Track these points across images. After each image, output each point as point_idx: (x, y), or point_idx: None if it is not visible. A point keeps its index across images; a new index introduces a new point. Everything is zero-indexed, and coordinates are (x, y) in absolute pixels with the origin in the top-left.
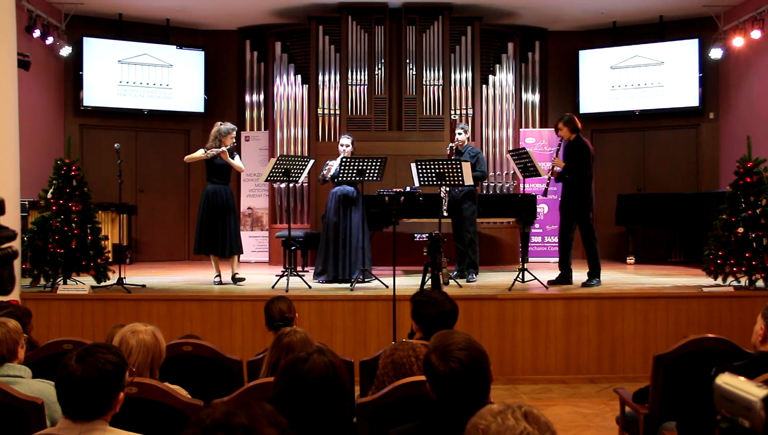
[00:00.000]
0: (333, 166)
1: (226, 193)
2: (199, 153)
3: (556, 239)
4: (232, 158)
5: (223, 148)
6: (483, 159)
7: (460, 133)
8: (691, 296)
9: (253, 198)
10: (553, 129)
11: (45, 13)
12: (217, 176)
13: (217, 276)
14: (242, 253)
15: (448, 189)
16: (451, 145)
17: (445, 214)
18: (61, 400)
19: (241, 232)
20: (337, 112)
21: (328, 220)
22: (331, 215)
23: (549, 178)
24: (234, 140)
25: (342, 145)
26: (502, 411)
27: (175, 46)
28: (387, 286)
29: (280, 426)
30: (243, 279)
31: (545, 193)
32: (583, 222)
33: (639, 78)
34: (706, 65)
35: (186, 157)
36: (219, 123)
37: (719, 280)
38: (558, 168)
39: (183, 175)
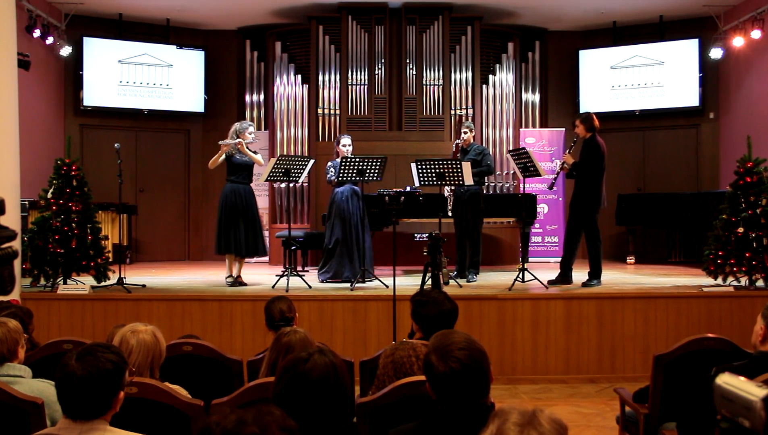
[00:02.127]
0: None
1: (246, 193)
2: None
3: (556, 239)
4: (248, 149)
5: (240, 140)
6: (489, 154)
7: (465, 132)
8: (691, 296)
9: None
10: (553, 129)
11: (45, 13)
12: (235, 174)
13: (229, 276)
14: (266, 254)
15: (453, 188)
16: (456, 141)
17: (449, 213)
18: (61, 400)
19: None
20: (337, 112)
21: (339, 219)
22: (344, 214)
23: (558, 172)
24: (253, 136)
25: (345, 146)
26: None
27: (175, 46)
28: (387, 286)
29: (291, 430)
30: (244, 284)
31: (551, 186)
32: (590, 223)
33: (639, 78)
34: (706, 65)
35: (210, 163)
36: (237, 123)
37: (719, 280)
38: (567, 163)
39: (183, 175)
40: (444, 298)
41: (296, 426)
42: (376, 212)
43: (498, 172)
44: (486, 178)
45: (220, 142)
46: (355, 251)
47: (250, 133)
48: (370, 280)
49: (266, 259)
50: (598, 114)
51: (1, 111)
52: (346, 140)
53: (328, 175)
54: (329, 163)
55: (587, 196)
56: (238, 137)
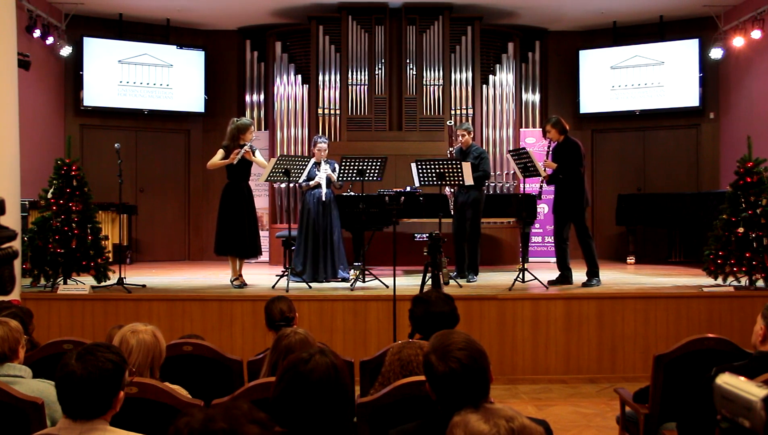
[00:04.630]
0: (320, 176)
1: (248, 192)
2: (219, 155)
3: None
4: (254, 154)
5: (247, 148)
6: (487, 158)
7: (462, 135)
8: (691, 296)
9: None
10: None
11: (45, 13)
12: (240, 173)
13: (235, 279)
14: (261, 254)
15: (453, 190)
16: (450, 149)
17: (452, 213)
18: (61, 400)
19: None
20: (337, 112)
21: (309, 221)
22: (314, 216)
23: (541, 181)
24: (253, 135)
25: (321, 150)
26: None
27: (175, 46)
28: (387, 286)
29: (260, 422)
30: (245, 284)
31: (539, 195)
32: (578, 222)
33: (639, 78)
34: (706, 65)
35: (209, 164)
36: (234, 119)
37: (719, 280)
38: (549, 169)
39: (183, 175)
40: (439, 300)
41: (266, 417)
42: (376, 212)
43: (498, 172)
44: (484, 181)
45: (230, 156)
46: (328, 253)
47: (251, 133)
48: (371, 280)
49: (266, 258)
50: (598, 114)
51: (1, 111)
52: (322, 144)
53: (300, 179)
54: (307, 168)
55: (573, 195)
56: (239, 135)
